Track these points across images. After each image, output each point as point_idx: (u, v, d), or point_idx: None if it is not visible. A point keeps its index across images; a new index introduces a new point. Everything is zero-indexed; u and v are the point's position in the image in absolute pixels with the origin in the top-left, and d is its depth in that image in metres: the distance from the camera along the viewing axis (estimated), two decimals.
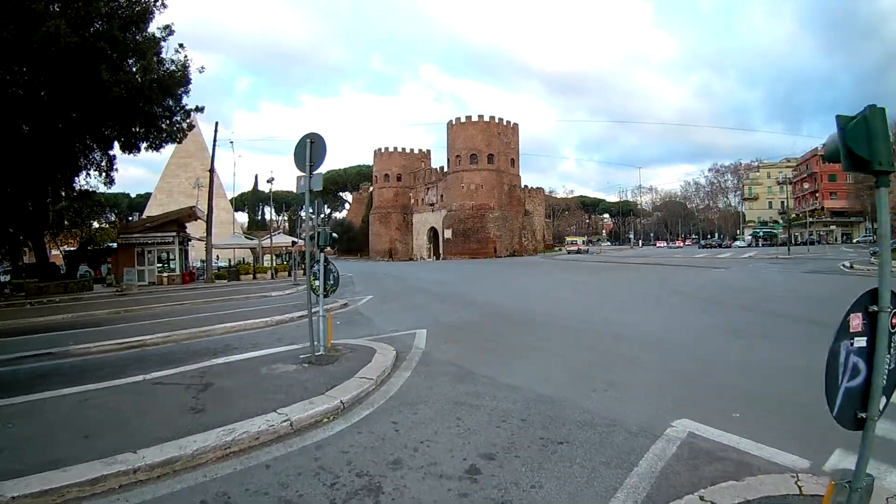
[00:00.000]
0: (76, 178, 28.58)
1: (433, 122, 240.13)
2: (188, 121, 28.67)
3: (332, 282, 9.14)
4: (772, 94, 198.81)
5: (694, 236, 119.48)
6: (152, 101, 25.02)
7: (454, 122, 76.73)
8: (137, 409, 6.34)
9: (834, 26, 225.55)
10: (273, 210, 66.03)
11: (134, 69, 23.48)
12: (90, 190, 29.65)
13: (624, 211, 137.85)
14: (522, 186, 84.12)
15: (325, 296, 9.11)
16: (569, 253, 76.70)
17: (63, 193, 29.09)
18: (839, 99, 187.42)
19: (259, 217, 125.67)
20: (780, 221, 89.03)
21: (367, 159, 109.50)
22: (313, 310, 8.92)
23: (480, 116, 75.17)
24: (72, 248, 36.49)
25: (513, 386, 7.01)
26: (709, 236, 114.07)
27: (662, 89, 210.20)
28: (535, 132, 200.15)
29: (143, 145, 27.26)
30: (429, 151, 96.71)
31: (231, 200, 76.55)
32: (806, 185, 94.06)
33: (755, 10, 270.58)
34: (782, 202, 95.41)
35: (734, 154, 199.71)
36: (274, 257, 40.08)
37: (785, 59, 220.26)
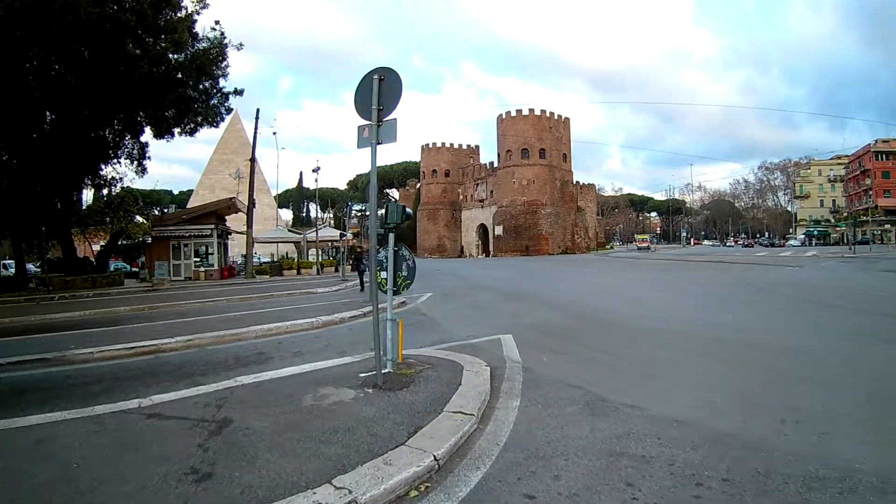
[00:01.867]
0: (104, 167, 27.50)
1: (478, 119, 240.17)
2: (226, 104, 27.08)
3: (404, 273, 6.66)
4: (815, 91, 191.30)
5: (743, 235, 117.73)
6: (185, 82, 23.40)
7: (504, 116, 74.78)
8: (109, 466, 4.05)
9: (875, 22, 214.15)
10: (318, 207, 64.29)
11: (164, 44, 21.66)
12: (117, 177, 28.30)
13: (672, 209, 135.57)
14: (574, 182, 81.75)
15: (395, 292, 6.67)
16: (638, 249, 78.45)
17: (90, 183, 27.73)
18: (882, 96, 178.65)
19: (304, 214, 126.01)
20: (832, 220, 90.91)
21: (413, 156, 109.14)
22: (377, 310, 6.50)
23: (531, 110, 72.92)
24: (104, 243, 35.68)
25: (675, 419, 5.05)
26: (758, 235, 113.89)
27: (705, 86, 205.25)
28: (580, 130, 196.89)
29: (177, 131, 25.70)
30: (477, 147, 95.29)
31: (275, 197, 75.94)
32: (859, 183, 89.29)
33: (796, 6, 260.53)
34: (833, 200, 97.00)
35: (779, 152, 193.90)
36: (320, 252, 38.17)
37: (827, 55, 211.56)
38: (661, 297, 16.45)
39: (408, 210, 6.65)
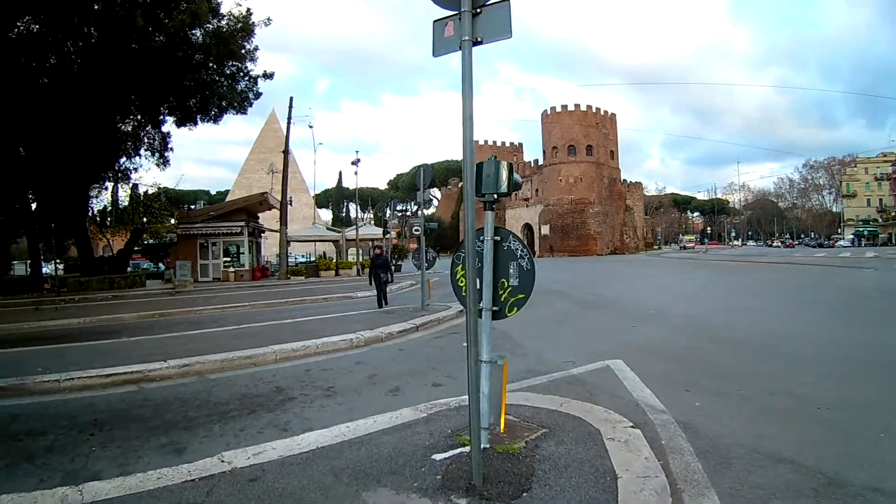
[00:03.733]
0: (123, 161, 26.06)
1: (516, 119, 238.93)
2: (255, 89, 25.24)
3: (514, 280, 4.04)
4: (852, 88, 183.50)
5: (786, 236, 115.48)
6: (206, 64, 21.48)
7: (549, 112, 73.55)
8: None
9: None
10: (358, 206, 62.57)
11: (180, 17, 19.67)
12: (131, 167, 26.87)
13: (715, 209, 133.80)
14: (622, 180, 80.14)
15: (495, 313, 4.15)
16: (681, 249, 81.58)
17: (109, 177, 26.16)
18: None
19: (343, 214, 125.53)
20: (880, 219, 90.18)
21: (454, 155, 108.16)
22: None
23: (577, 105, 71.62)
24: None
25: None
26: (802, 236, 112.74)
27: (742, 85, 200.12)
28: (618, 129, 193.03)
29: (200, 118, 24.06)
30: (521, 145, 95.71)
31: (314, 197, 74.87)
32: None
33: (831, 1, 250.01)
34: (880, 199, 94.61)
35: (817, 150, 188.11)
36: (360, 252, 35.91)
37: (864, 51, 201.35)
38: (767, 307, 13.97)
39: (516, 176, 4.06)
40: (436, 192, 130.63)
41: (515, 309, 4.06)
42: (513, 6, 3.42)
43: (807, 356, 7.69)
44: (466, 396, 5.50)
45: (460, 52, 3.46)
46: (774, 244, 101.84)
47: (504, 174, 3.81)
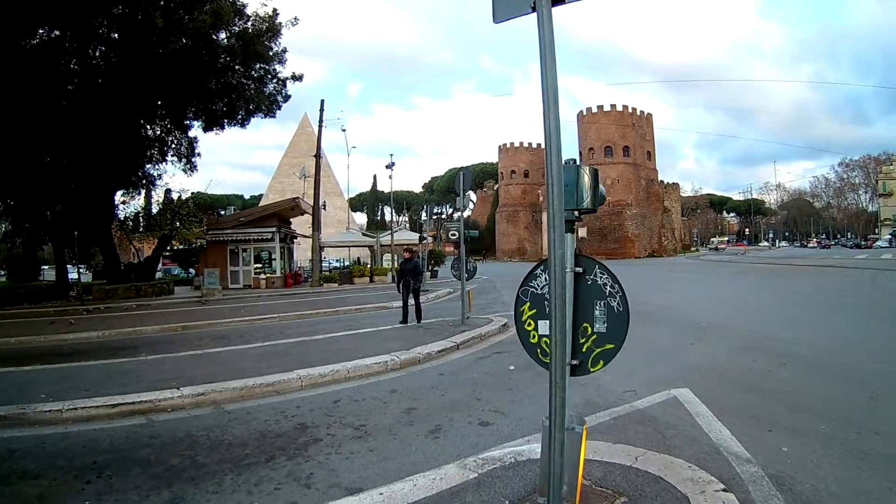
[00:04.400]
0: (149, 167, 25.89)
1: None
2: (284, 91, 24.90)
3: (600, 325, 3.11)
4: (887, 82, 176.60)
5: (822, 236, 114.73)
6: (231, 66, 21.03)
7: (585, 113, 72.97)
8: None
9: None
10: (393, 209, 62.08)
11: (201, 16, 19.24)
12: (155, 174, 26.64)
13: (751, 210, 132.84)
14: (659, 181, 79.08)
15: (583, 369, 3.27)
16: (710, 250, 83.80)
17: (138, 183, 25.94)
18: None
19: (378, 217, 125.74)
20: None
21: (488, 157, 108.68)
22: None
23: (613, 106, 70.91)
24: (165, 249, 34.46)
25: None
26: (838, 236, 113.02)
27: (776, 82, 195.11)
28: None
29: (227, 122, 23.76)
30: None
31: (348, 201, 74.78)
32: None
33: None
34: None
35: (852, 148, 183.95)
36: (395, 257, 35.17)
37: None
38: (830, 319, 12.71)
39: (601, 187, 3.15)
40: (471, 195, 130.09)
41: (602, 363, 3.16)
42: None
43: (890, 380, 6.91)
44: (521, 445, 4.65)
45: (535, 16, 2.61)
46: (810, 244, 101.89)
47: (587, 183, 2.91)
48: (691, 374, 7.28)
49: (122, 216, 27.01)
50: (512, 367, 7.93)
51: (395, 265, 33.21)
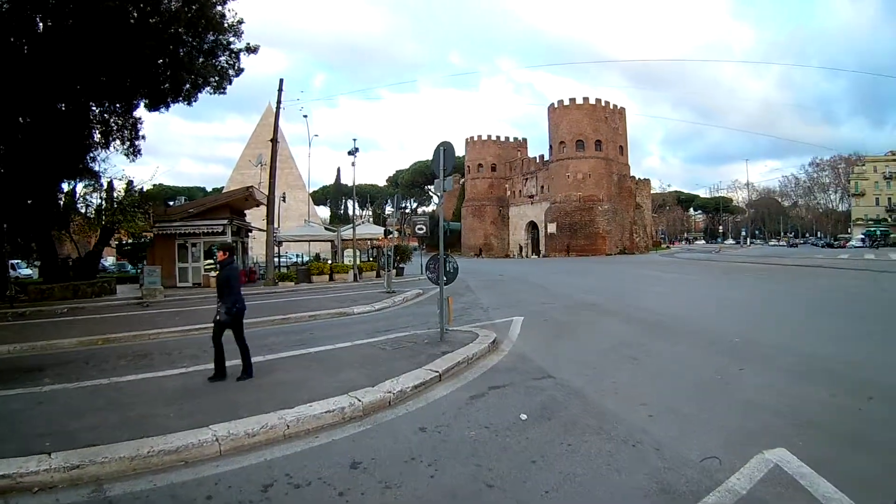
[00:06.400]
0: (92, 153, 23.49)
1: (517, 115, 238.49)
2: (237, 65, 22.88)
3: None
4: (855, 85, 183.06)
5: (790, 235, 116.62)
6: (178, 33, 19.12)
7: (556, 106, 72.20)
8: None
9: None
10: (357, 203, 60.03)
11: None
12: (93, 169, 24.36)
13: (720, 207, 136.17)
14: (631, 177, 78.60)
15: None
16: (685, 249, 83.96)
17: (72, 171, 23.46)
18: None
19: (341, 211, 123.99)
20: (889, 219, 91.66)
21: (456, 150, 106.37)
22: None
23: (585, 99, 70.38)
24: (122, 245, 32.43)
25: None
26: (806, 235, 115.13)
27: (745, 81, 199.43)
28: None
29: (173, 99, 21.81)
30: (525, 140, 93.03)
31: (310, 194, 72.54)
32: None
33: None
34: (889, 198, 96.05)
35: (820, 149, 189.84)
36: (358, 253, 33.04)
37: (867, 47, 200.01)
38: (867, 330, 11.06)
39: None
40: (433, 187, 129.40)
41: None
42: None
43: None
44: None
45: None
46: (776, 243, 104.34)
47: None
48: (771, 421, 5.57)
49: (63, 208, 24.33)
50: (524, 417, 5.88)
51: (358, 262, 31.15)
